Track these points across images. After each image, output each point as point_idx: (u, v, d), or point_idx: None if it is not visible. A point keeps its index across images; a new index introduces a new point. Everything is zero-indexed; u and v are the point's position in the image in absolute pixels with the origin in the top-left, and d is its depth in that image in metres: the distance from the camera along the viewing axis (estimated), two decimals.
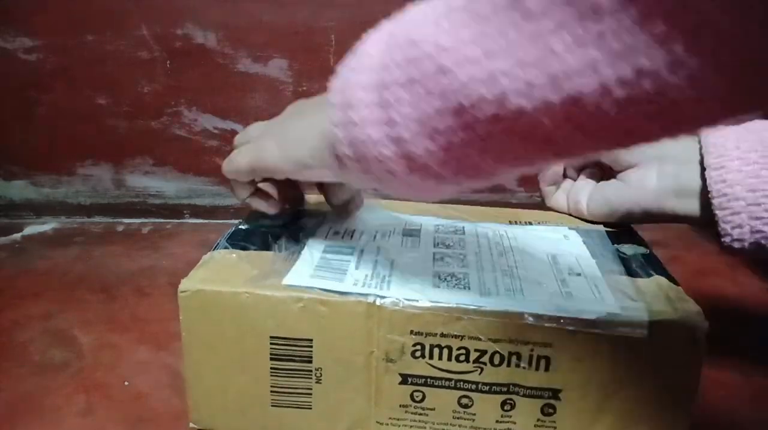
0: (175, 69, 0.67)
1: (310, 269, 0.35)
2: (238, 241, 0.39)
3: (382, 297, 0.32)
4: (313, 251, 0.38)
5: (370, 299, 0.32)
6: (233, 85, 0.68)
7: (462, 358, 0.32)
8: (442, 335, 0.32)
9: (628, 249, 0.40)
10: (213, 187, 0.73)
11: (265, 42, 0.67)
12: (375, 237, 0.40)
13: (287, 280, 0.34)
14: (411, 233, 0.41)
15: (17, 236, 0.69)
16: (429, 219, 0.44)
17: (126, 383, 0.44)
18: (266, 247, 0.39)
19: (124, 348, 0.48)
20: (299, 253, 0.37)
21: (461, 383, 0.33)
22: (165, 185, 0.73)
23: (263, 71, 0.68)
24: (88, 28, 0.65)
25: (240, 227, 0.42)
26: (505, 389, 0.32)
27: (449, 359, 0.32)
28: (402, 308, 0.32)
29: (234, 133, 0.70)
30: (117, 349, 0.48)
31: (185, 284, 0.34)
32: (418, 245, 0.39)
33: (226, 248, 0.38)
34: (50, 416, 0.40)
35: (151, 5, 0.65)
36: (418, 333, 0.32)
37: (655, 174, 0.41)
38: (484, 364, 0.32)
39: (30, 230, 0.70)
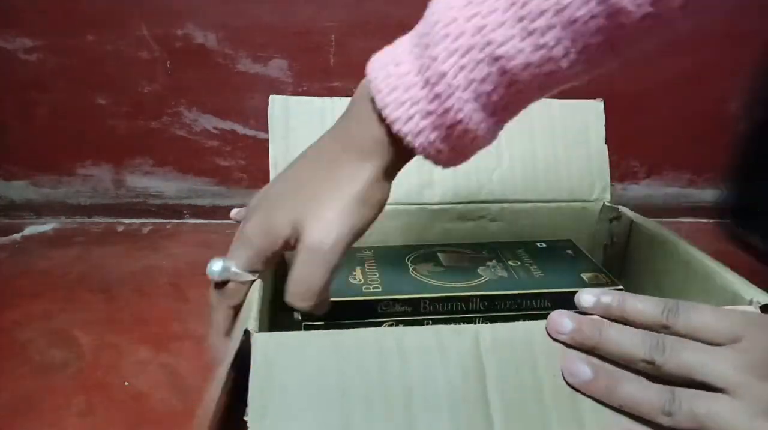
0: (175, 69, 0.67)
1: None
2: None
3: None
4: None
5: None
6: (233, 85, 0.68)
7: None
8: None
9: None
10: (213, 187, 0.73)
11: (265, 42, 0.67)
12: None
13: None
14: None
15: (17, 236, 0.69)
16: None
17: (126, 383, 0.44)
18: None
19: (124, 348, 0.48)
20: None
21: None
22: (165, 185, 0.73)
23: (263, 71, 0.68)
24: (88, 28, 0.65)
25: None
26: None
27: None
28: None
29: (234, 133, 0.70)
30: (117, 349, 0.48)
31: None
32: None
33: None
34: (50, 416, 0.40)
35: (151, 5, 0.65)
36: None
37: None
38: None
39: (30, 230, 0.70)
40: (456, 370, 0.28)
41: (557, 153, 0.51)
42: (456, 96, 0.30)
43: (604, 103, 0.53)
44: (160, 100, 0.69)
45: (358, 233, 0.33)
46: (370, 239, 0.50)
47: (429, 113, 0.31)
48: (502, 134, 0.49)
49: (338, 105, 0.49)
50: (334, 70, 0.67)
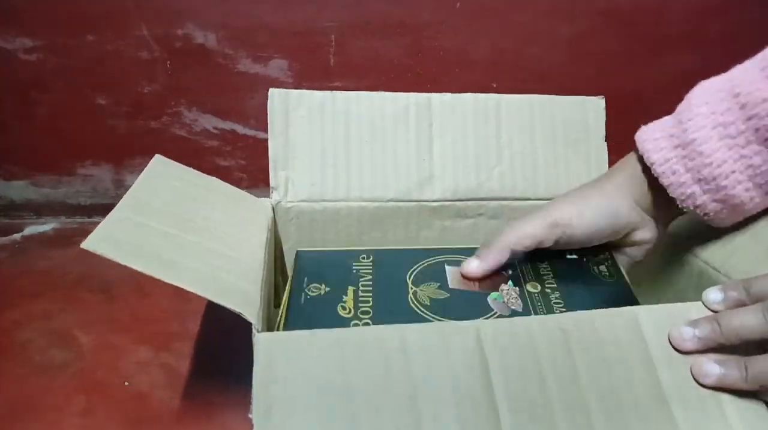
0: (175, 69, 0.67)
1: None
2: None
3: None
4: None
5: None
6: (233, 85, 0.68)
7: None
8: None
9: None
10: None
11: (265, 42, 0.67)
12: None
13: None
14: None
15: (17, 236, 0.69)
16: None
17: (126, 383, 0.44)
18: None
19: (124, 348, 0.48)
20: None
21: None
22: None
23: (263, 71, 0.68)
24: (88, 28, 0.65)
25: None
26: None
27: None
28: None
29: (234, 133, 0.70)
30: (117, 349, 0.48)
31: None
32: None
33: None
34: (50, 416, 0.40)
35: (151, 5, 0.64)
36: None
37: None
38: None
39: (30, 230, 0.70)
40: (459, 363, 0.28)
41: (557, 151, 0.51)
42: (694, 121, 0.35)
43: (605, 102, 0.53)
44: (160, 100, 0.69)
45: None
46: (370, 237, 0.50)
47: (671, 136, 0.36)
48: (502, 132, 0.49)
49: (339, 99, 0.49)
50: (334, 70, 0.67)
